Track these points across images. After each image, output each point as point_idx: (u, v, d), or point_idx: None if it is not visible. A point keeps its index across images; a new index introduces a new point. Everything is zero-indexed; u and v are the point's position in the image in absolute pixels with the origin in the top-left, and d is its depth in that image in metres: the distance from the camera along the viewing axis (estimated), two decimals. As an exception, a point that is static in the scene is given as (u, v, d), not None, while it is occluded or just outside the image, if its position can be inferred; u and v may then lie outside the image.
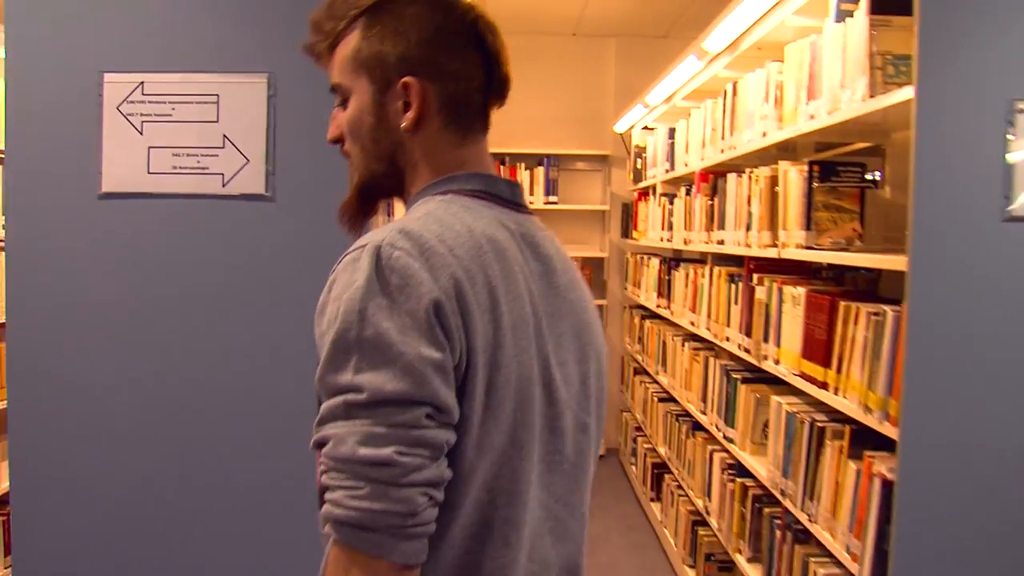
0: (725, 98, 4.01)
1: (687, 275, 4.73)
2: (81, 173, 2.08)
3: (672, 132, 5.27)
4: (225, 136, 2.07)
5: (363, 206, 1.31)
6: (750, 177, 3.54)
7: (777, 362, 3.21)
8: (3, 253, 2.17)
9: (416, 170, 1.27)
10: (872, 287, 3.16)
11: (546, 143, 7.03)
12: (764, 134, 3.39)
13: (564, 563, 1.27)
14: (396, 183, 1.29)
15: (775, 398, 3.20)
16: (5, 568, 4.07)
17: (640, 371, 6.17)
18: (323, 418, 1.07)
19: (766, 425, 3.58)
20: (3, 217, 2.19)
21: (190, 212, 2.08)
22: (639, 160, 6.35)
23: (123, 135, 2.07)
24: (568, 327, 1.27)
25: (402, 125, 1.24)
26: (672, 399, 5.11)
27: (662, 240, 5.41)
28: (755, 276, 3.50)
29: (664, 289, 5.38)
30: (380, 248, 1.10)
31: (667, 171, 5.38)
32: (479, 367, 1.11)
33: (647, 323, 5.84)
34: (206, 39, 2.09)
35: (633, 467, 6.16)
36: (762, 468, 3.37)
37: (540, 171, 7.01)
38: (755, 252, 3.45)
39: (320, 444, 1.08)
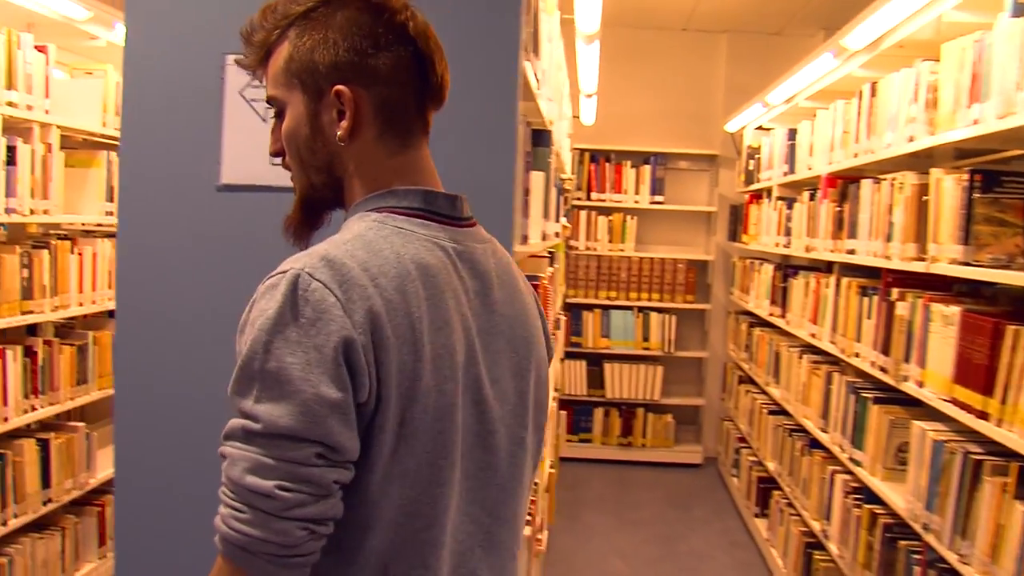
0: (861, 99, 3.77)
1: (807, 284, 4.49)
2: (199, 163, 1.97)
3: (793, 133, 5.03)
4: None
5: (307, 219, 1.29)
6: (892, 184, 3.30)
7: (921, 384, 2.98)
8: (115, 243, 2.05)
9: (352, 181, 1.26)
10: (1031, 308, 2.90)
11: (652, 141, 6.82)
12: (911, 138, 3.15)
13: (495, 574, 1.29)
14: (336, 195, 1.28)
15: (918, 423, 2.97)
16: (100, 559, 4.12)
17: (746, 380, 5.94)
18: (226, 433, 1.11)
19: (901, 450, 3.35)
20: (116, 207, 2.07)
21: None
22: (751, 161, 6.10)
23: (245, 122, 1.95)
24: (504, 343, 1.29)
25: (337, 135, 1.22)
26: (784, 412, 4.88)
27: (777, 246, 5.17)
28: (894, 290, 3.27)
29: (778, 297, 5.14)
30: (299, 277, 1.11)
31: (785, 174, 5.14)
32: (391, 400, 1.13)
33: (756, 331, 5.61)
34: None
35: (735, 479, 5.93)
36: (897, 497, 3.14)
37: (646, 170, 6.80)
38: (895, 264, 3.22)
39: (222, 455, 1.11)
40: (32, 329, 3.86)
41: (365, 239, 1.18)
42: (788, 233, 4.98)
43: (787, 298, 4.84)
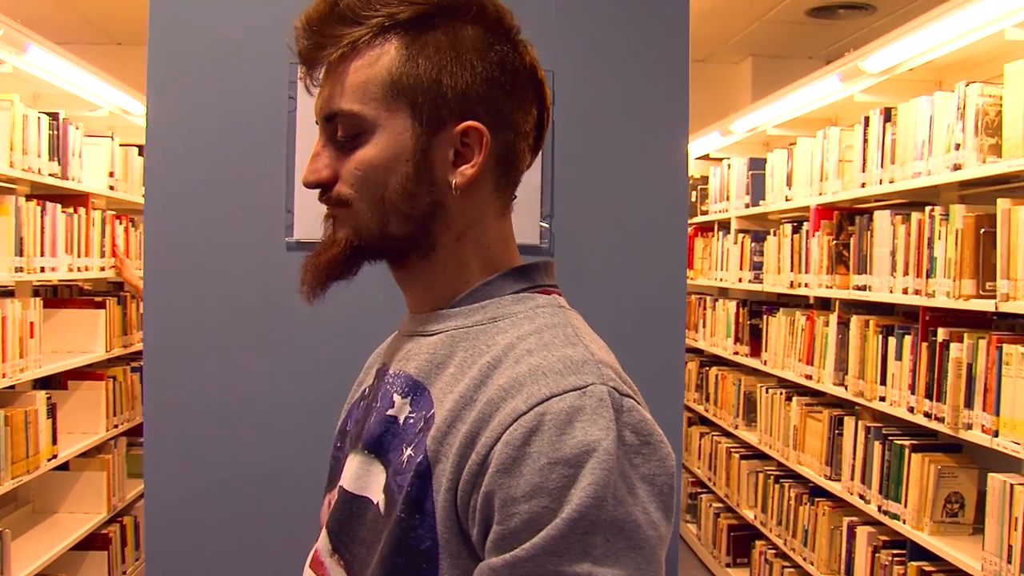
0: (867, 126, 3.56)
1: (792, 322, 4.25)
2: (263, 214, 1.50)
3: (758, 163, 4.81)
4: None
5: (345, 270, 1.01)
6: (931, 216, 3.08)
7: (995, 433, 2.73)
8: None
9: (460, 245, 0.99)
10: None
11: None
12: (955, 167, 2.93)
13: None
14: (407, 252, 0.99)
15: (998, 477, 2.71)
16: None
17: (698, 422, 5.68)
18: None
19: (951, 501, 3.11)
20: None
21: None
22: (693, 192, 5.88)
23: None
24: None
25: (453, 182, 0.96)
26: (761, 456, 4.62)
27: (740, 281, 4.94)
28: (941, 330, 3.03)
29: (744, 335, 4.89)
30: (611, 394, 0.86)
31: (747, 205, 4.91)
32: None
33: (713, 370, 5.35)
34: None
35: (691, 525, 5.65)
36: (960, 553, 2.89)
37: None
38: (940, 303, 2.99)
39: None
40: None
41: (587, 332, 0.96)
42: (757, 268, 4.75)
43: (764, 337, 4.59)
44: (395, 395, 0.97)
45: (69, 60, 3.58)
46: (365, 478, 0.96)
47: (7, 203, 3.44)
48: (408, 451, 0.91)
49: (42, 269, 3.68)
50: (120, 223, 4.57)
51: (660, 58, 1.67)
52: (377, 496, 0.94)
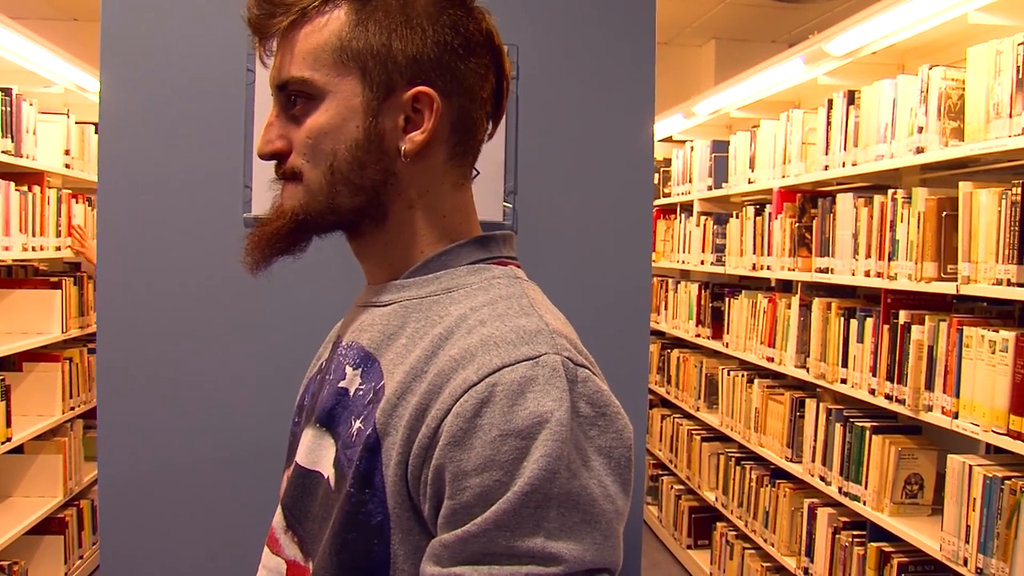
0: (831, 108, 3.56)
1: (754, 304, 4.26)
2: (221, 188, 1.46)
3: (721, 145, 4.81)
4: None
5: (291, 243, 0.98)
6: (893, 199, 3.09)
7: (954, 415, 2.76)
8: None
9: (411, 214, 0.97)
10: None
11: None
12: (919, 149, 2.94)
13: None
14: (353, 222, 0.97)
15: (956, 457, 2.74)
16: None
17: (659, 404, 5.70)
18: None
19: (910, 482, 3.14)
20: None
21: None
22: (655, 175, 5.88)
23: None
24: None
25: (403, 148, 0.94)
26: (723, 438, 4.65)
27: (703, 263, 4.95)
28: (902, 312, 3.05)
29: (706, 317, 4.91)
30: (564, 364, 0.84)
31: (709, 188, 4.92)
32: None
33: (675, 352, 5.37)
34: None
35: (652, 508, 5.67)
36: (920, 535, 2.92)
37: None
38: (902, 285, 3.00)
39: None
40: None
41: (544, 304, 0.93)
42: (719, 251, 4.76)
43: (726, 319, 4.60)
44: (347, 367, 0.96)
45: (24, 35, 3.49)
46: (317, 452, 0.95)
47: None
48: (357, 424, 0.89)
49: (-5, 248, 3.60)
50: (77, 202, 4.49)
51: (626, 35, 1.65)
52: (328, 470, 0.92)
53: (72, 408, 4.33)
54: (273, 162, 0.98)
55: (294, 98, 0.95)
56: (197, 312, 1.44)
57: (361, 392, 0.92)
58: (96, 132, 4.68)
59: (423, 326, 0.91)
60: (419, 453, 0.83)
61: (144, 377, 1.45)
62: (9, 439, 3.75)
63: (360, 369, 0.94)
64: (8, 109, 3.68)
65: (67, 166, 4.35)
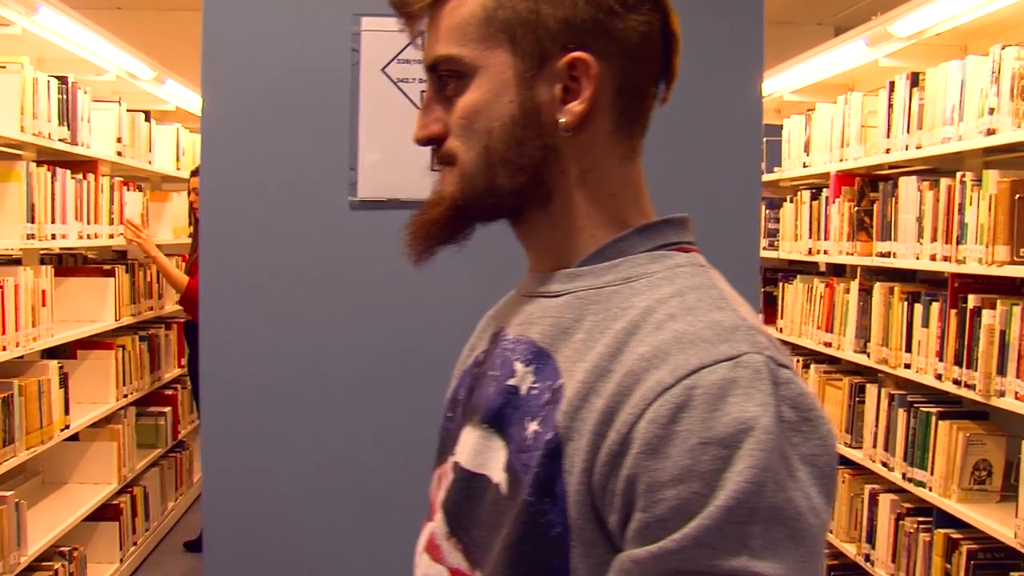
0: (892, 91, 3.51)
1: (810, 289, 4.22)
2: (325, 171, 1.44)
3: (771, 130, 4.75)
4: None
5: (453, 232, 0.92)
6: (962, 181, 3.04)
7: (1030, 400, 2.71)
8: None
9: (574, 194, 0.90)
10: None
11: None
12: (989, 131, 2.89)
13: None
14: (516, 206, 0.91)
15: (1033, 443, 2.70)
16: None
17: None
18: None
19: (978, 468, 3.09)
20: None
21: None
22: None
23: (392, 112, 1.43)
24: None
25: (561, 121, 0.86)
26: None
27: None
28: (971, 297, 3.00)
29: (758, 302, 4.86)
30: (768, 366, 0.77)
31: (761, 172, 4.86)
32: None
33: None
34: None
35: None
36: (992, 522, 2.88)
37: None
38: (972, 269, 2.95)
39: None
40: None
41: (733, 295, 0.86)
42: (772, 235, 4.72)
43: (780, 304, 4.56)
44: (516, 363, 0.89)
45: (80, 22, 3.49)
46: (484, 454, 0.88)
47: (18, 168, 3.37)
48: (533, 426, 0.83)
49: (52, 236, 3.61)
50: (128, 190, 4.50)
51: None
52: (497, 475, 0.86)
53: (125, 396, 4.35)
54: (429, 147, 0.93)
55: (445, 78, 0.90)
56: (304, 300, 1.42)
57: (535, 391, 0.85)
58: (147, 120, 4.70)
59: (603, 319, 0.85)
60: (607, 461, 0.77)
61: (249, 370, 1.43)
62: (67, 426, 3.77)
63: (532, 366, 0.87)
64: (64, 97, 3.69)
65: (119, 154, 4.36)
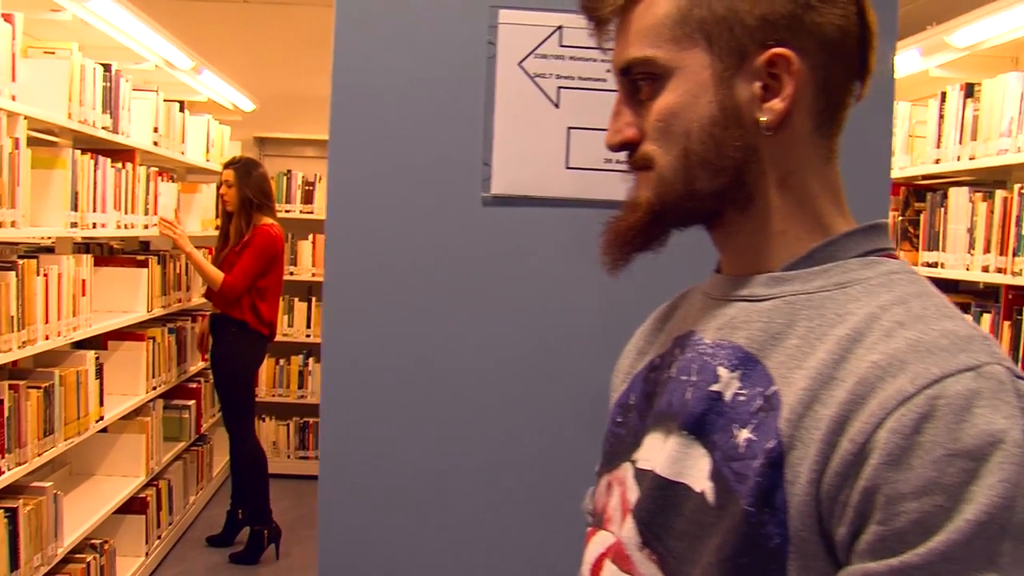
0: (944, 101, 3.50)
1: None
2: (458, 166, 1.40)
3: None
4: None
5: (649, 238, 0.91)
6: (1021, 193, 3.03)
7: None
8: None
9: (780, 195, 0.87)
10: None
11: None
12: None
13: None
14: (720, 210, 0.89)
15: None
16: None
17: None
18: None
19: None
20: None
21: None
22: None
23: (527, 107, 1.41)
24: None
25: (761, 120, 0.84)
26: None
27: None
28: (1027, 309, 3.00)
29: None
30: (1011, 377, 0.75)
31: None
32: None
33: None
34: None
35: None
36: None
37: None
38: (1027, 281, 2.95)
39: None
40: (-10, 371, 3.10)
41: (949, 308, 0.82)
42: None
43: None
44: (720, 368, 0.86)
45: (130, 9, 3.46)
46: (683, 462, 0.85)
47: (64, 156, 3.33)
48: (745, 433, 0.81)
49: (93, 225, 3.58)
50: (163, 180, 4.46)
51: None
52: (700, 484, 0.83)
53: (154, 388, 4.32)
54: (622, 153, 0.91)
55: (638, 81, 0.89)
56: (433, 299, 1.38)
57: (743, 398, 0.83)
58: (181, 110, 4.67)
59: (818, 325, 0.83)
60: (840, 471, 0.75)
61: (374, 373, 1.39)
62: (101, 418, 3.73)
63: (738, 371, 0.85)
64: (108, 85, 3.66)
65: (155, 144, 4.33)
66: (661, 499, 0.87)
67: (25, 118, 2.99)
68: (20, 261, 3.03)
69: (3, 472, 2.92)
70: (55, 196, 3.30)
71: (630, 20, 0.88)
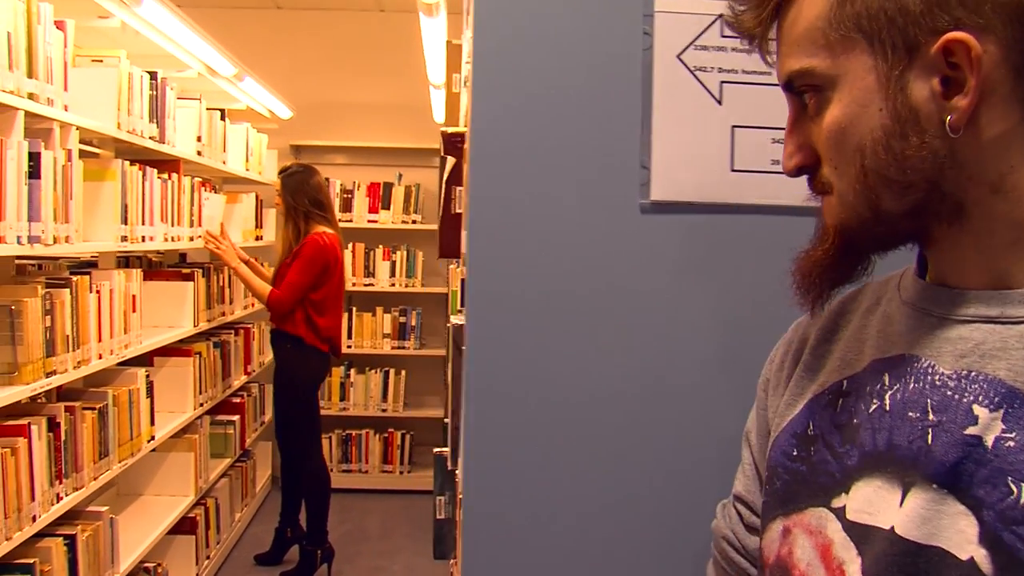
0: None
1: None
2: (612, 170, 1.26)
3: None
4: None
5: (845, 269, 0.82)
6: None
7: None
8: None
9: (999, 202, 0.74)
10: None
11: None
12: None
13: None
14: (924, 227, 0.78)
15: None
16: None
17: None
18: None
19: None
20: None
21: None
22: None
23: (687, 104, 1.27)
24: None
25: (947, 119, 0.72)
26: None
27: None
28: None
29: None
30: None
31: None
32: None
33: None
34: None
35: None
36: None
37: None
38: None
39: None
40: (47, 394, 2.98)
41: None
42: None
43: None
44: (974, 406, 0.73)
45: (179, 16, 3.34)
46: (935, 522, 0.73)
47: (113, 167, 3.21)
48: None
49: (142, 239, 3.45)
50: (206, 190, 4.34)
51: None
52: (966, 550, 0.71)
53: (201, 404, 4.19)
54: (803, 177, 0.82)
55: (803, 95, 0.79)
56: (587, 313, 1.24)
57: (1011, 444, 0.71)
58: (222, 119, 4.55)
59: None
60: None
61: (522, 389, 1.25)
62: (153, 437, 3.61)
63: (1001, 410, 0.72)
64: (154, 94, 3.54)
65: (199, 153, 4.21)
66: (910, 567, 0.73)
67: (77, 129, 2.87)
68: (74, 277, 2.91)
69: (62, 499, 2.81)
70: (105, 209, 3.18)
71: (784, 29, 0.79)
